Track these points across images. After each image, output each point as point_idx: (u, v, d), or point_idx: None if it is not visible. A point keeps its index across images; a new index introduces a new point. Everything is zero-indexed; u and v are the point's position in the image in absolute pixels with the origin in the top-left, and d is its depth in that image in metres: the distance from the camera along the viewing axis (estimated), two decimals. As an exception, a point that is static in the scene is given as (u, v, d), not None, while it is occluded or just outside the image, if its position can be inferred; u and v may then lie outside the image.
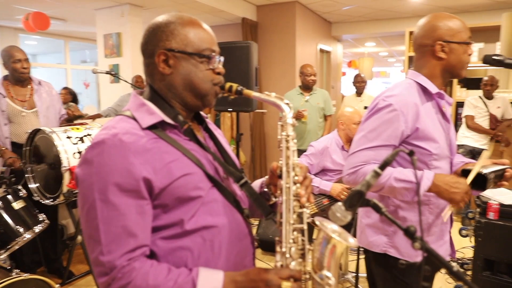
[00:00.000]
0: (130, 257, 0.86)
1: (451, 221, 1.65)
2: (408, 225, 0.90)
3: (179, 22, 0.98)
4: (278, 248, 0.95)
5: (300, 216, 0.96)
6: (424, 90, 1.51)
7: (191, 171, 0.94)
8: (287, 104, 1.02)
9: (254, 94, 1.02)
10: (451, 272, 0.87)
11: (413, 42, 1.56)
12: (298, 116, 4.17)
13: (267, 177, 1.12)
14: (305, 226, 0.95)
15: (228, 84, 1.02)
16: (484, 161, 1.52)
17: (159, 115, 0.97)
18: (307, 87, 4.34)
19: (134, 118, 0.96)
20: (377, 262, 1.63)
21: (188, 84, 0.98)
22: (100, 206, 0.86)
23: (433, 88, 1.50)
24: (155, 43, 0.98)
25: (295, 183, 0.96)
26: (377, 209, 0.93)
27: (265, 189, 1.13)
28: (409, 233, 0.90)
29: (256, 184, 1.17)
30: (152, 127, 0.95)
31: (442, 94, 1.53)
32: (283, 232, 0.94)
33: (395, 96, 1.46)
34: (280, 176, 0.99)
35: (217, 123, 5.32)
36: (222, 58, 1.02)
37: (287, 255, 0.93)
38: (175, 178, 0.91)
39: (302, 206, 0.96)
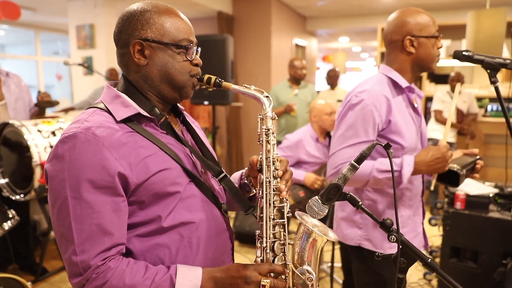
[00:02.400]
0: (105, 256, 0.83)
1: (423, 213, 1.70)
2: (384, 218, 0.91)
3: (155, 10, 0.94)
4: (258, 244, 0.94)
5: (280, 210, 0.95)
6: (394, 84, 1.55)
7: (168, 166, 0.91)
8: (267, 97, 1.00)
9: (233, 86, 1.00)
10: (426, 264, 0.90)
11: (383, 38, 1.60)
12: (288, 110, 4.09)
13: (246, 168, 1.11)
14: (285, 221, 0.95)
15: (206, 76, 0.99)
16: (455, 153, 1.59)
17: (135, 108, 0.93)
18: (297, 81, 4.24)
19: (108, 111, 0.92)
20: (353, 254, 1.67)
21: (164, 75, 0.95)
22: (72, 203, 0.82)
23: (403, 82, 1.53)
24: (130, 32, 0.93)
25: (275, 177, 0.96)
26: (354, 202, 0.95)
27: (245, 181, 1.12)
28: (385, 226, 0.91)
29: (236, 176, 1.16)
30: (127, 120, 0.91)
31: (412, 88, 1.57)
32: (263, 227, 0.93)
33: (366, 91, 1.49)
34: (260, 170, 0.97)
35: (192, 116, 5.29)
36: (199, 49, 0.99)
37: (268, 250, 0.92)
38: (152, 173, 0.88)
39: (282, 201, 0.96)
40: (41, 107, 2.93)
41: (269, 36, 5.81)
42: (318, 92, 5.47)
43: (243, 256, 3.46)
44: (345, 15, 7.32)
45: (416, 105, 1.60)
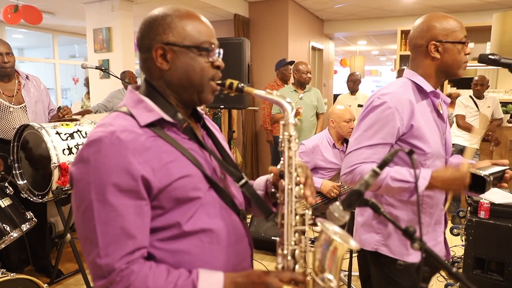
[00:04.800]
0: (128, 259, 0.83)
1: (445, 222, 1.65)
2: (407, 226, 0.90)
3: (176, 14, 0.95)
4: (279, 251, 0.93)
5: (302, 217, 0.95)
6: (419, 89, 1.51)
7: (190, 172, 0.92)
8: (289, 103, 0.99)
9: (255, 92, 1.00)
10: (450, 273, 0.87)
11: (408, 43, 1.57)
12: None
13: (271, 175, 1.09)
14: (307, 228, 0.94)
15: (228, 81, 1.00)
16: (484, 163, 1.52)
17: (158, 113, 0.93)
18: (301, 85, 4.27)
19: (131, 115, 0.92)
20: (371, 260, 1.64)
21: (186, 79, 0.95)
22: (97, 207, 0.83)
23: (428, 87, 1.50)
24: (152, 37, 0.94)
25: (297, 184, 0.95)
26: (375, 209, 0.93)
27: (272, 190, 1.10)
28: (408, 234, 0.90)
29: (260, 183, 1.15)
30: (150, 125, 0.91)
31: (438, 93, 1.53)
32: (284, 234, 0.93)
33: (390, 94, 1.46)
34: (281, 177, 0.97)
35: (218, 121, 5.23)
36: (221, 51, 0.99)
37: (289, 257, 0.92)
38: (174, 179, 0.89)
39: (305, 208, 0.95)
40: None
41: (286, 39, 5.78)
42: (337, 95, 5.42)
43: (257, 262, 3.42)
44: (363, 18, 7.24)
45: (441, 111, 1.55)
